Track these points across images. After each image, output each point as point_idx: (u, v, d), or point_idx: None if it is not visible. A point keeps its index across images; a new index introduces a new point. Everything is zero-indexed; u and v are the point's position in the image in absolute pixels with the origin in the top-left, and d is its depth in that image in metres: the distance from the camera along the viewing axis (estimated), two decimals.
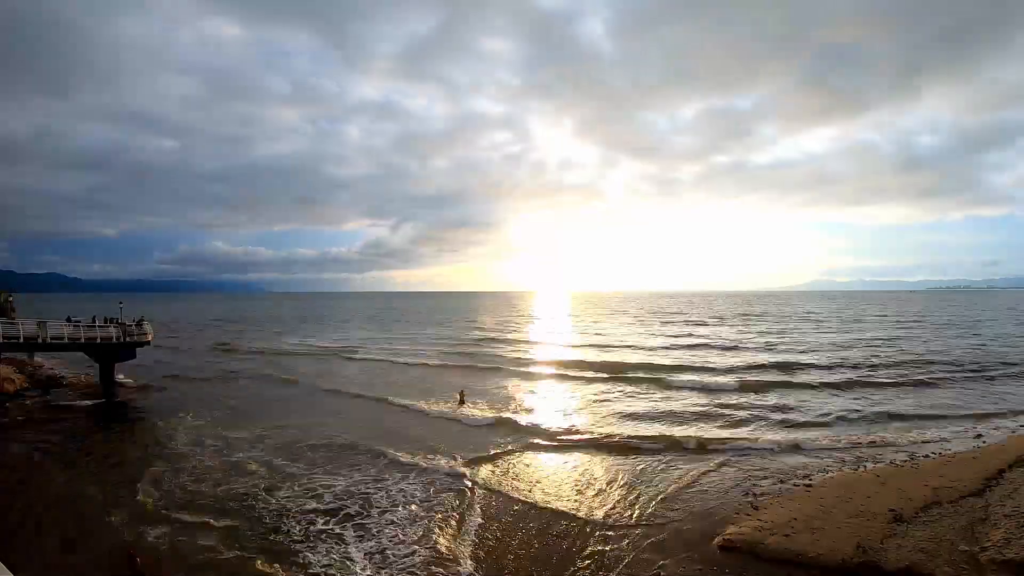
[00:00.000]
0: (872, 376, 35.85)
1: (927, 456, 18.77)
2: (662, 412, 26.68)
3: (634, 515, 14.66)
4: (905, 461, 18.20)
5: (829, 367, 39.63)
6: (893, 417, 25.05)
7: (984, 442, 20.52)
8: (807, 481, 16.59)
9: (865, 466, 17.89)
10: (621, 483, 17.08)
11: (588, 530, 13.87)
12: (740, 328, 77.65)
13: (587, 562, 12.29)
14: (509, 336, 69.81)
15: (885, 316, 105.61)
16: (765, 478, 17.13)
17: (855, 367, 39.45)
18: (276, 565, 12.11)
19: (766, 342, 57.07)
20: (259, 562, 12.21)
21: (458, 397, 28.87)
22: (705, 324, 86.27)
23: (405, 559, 12.39)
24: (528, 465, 19.16)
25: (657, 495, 16.00)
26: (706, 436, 22.07)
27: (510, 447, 21.11)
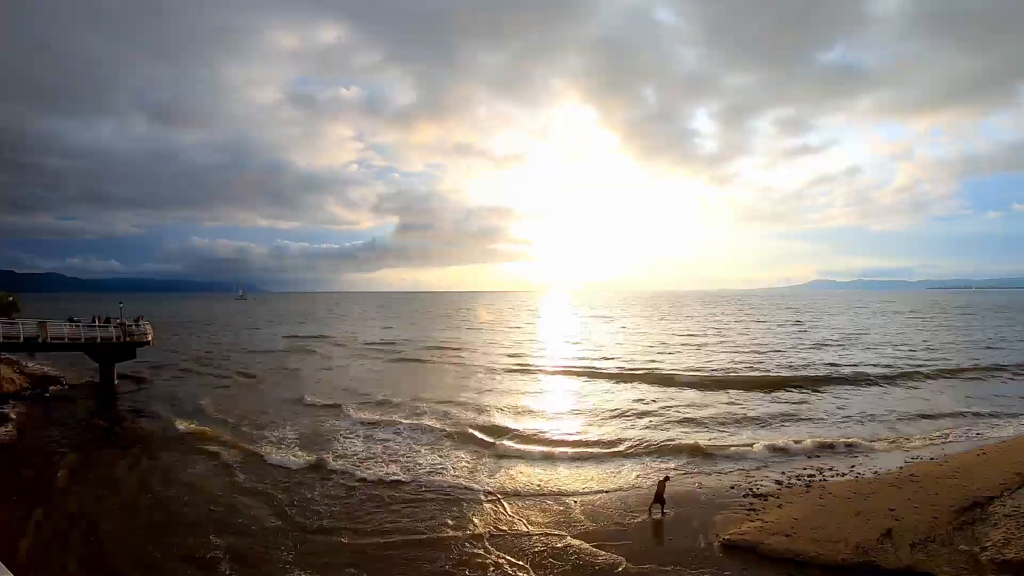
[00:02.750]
0: (878, 375, 35.87)
1: (930, 459, 18.75)
2: (662, 409, 26.68)
3: (634, 516, 14.64)
4: (908, 462, 18.19)
5: (836, 365, 39.64)
6: (900, 417, 24.98)
7: (986, 440, 20.51)
8: (808, 481, 16.58)
9: (867, 464, 17.87)
10: (619, 481, 17.06)
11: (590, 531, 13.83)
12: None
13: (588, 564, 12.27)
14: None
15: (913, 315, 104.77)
16: (766, 478, 17.11)
17: (863, 366, 39.42)
18: None
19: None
20: None
21: None
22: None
23: None
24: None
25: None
26: (706, 435, 22.05)
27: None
